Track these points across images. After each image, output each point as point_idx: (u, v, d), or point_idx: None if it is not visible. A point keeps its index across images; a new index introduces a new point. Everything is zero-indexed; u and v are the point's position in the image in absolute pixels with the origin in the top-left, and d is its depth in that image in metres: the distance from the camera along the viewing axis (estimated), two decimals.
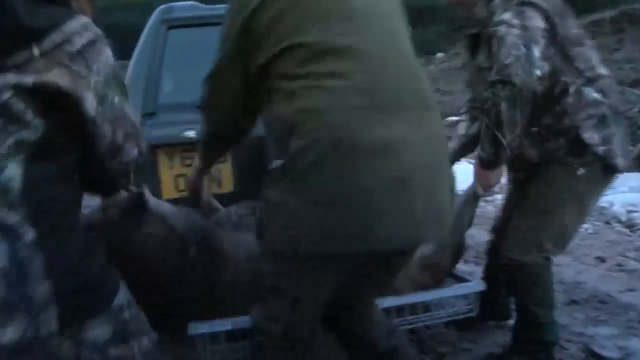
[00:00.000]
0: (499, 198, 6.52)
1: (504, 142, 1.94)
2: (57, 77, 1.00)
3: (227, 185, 2.41)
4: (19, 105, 0.96)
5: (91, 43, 1.06)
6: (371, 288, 1.67)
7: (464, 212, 2.21)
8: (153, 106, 2.46)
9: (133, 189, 1.56)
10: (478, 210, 5.78)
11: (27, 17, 0.98)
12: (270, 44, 1.33)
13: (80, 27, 1.05)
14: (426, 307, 2.09)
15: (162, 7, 2.76)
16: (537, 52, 1.90)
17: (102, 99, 1.08)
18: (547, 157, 2.12)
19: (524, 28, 1.91)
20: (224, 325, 1.79)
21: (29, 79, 0.96)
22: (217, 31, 2.69)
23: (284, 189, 1.29)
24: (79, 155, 1.10)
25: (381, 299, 1.86)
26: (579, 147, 2.05)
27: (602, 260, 3.89)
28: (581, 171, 2.04)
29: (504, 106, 1.89)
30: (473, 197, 2.27)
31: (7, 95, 0.95)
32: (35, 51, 0.98)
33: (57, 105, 1.01)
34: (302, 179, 1.25)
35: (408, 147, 1.27)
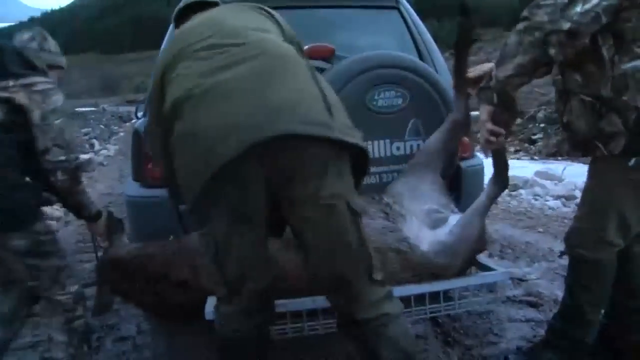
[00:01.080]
0: (523, 193, 6.46)
1: (498, 71, 1.86)
2: (21, 98, 1.98)
3: None
4: None
5: (48, 89, 2.03)
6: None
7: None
8: None
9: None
10: (502, 205, 5.79)
11: (11, 65, 2.03)
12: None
13: (43, 79, 2.06)
14: (448, 296, 2.03)
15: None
16: (580, 8, 1.76)
17: (44, 117, 1.98)
18: (592, 138, 1.94)
19: None
20: None
21: (4, 95, 1.97)
22: None
23: None
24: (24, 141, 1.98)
25: (401, 287, 1.84)
26: (635, 134, 1.84)
27: None
28: (632, 162, 1.88)
29: (512, 39, 1.82)
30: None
31: None
32: (11, 82, 1.99)
33: (17, 110, 1.97)
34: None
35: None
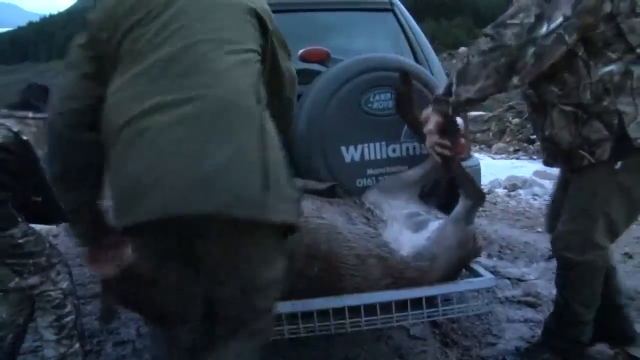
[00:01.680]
0: (521, 193, 6.47)
1: (455, 91, 1.85)
2: (29, 133, 2.15)
3: None
4: None
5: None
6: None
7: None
8: None
9: None
10: (501, 205, 5.79)
11: (35, 99, 2.27)
12: None
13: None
14: (435, 300, 2.00)
15: None
16: (545, 29, 1.74)
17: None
18: (577, 147, 1.93)
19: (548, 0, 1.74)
20: None
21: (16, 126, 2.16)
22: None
23: None
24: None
25: (387, 293, 1.86)
26: (620, 138, 1.85)
27: (629, 256, 3.81)
28: (618, 165, 1.89)
29: (475, 60, 1.79)
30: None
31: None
32: (30, 114, 2.21)
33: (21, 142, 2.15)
34: None
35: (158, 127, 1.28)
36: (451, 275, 2.02)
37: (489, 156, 12.01)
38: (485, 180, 7.71)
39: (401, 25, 2.76)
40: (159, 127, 1.27)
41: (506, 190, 6.73)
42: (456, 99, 1.87)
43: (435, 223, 2.06)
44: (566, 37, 1.77)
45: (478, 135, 17.30)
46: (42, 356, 2.34)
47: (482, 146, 15.78)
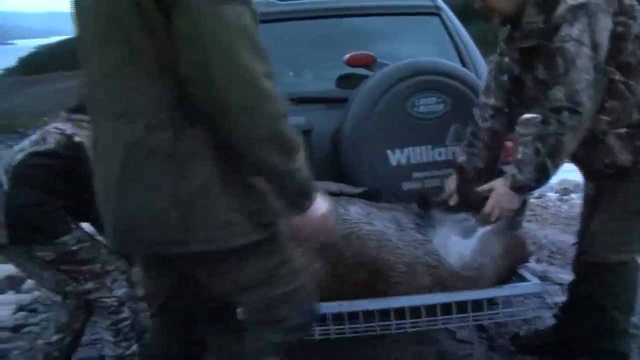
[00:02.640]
0: (574, 197, 6.29)
1: (550, 171, 1.82)
2: (83, 136, 2.13)
3: None
4: None
5: None
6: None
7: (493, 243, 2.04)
8: None
9: None
10: (553, 209, 5.66)
11: None
12: None
13: None
14: (480, 304, 1.99)
15: None
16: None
17: None
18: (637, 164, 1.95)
19: (595, 47, 1.74)
20: None
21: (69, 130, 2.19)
22: (293, 26, 2.83)
23: None
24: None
25: (432, 295, 1.87)
26: None
27: None
28: None
29: (568, 137, 1.76)
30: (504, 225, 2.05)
31: None
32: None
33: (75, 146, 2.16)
34: None
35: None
36: (500, 280, 2.01)
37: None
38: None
39: (447, 29, 2.76)
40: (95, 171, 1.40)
41: (558, 195, 6.56)
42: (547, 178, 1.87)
43: (485, 228, 2.05)
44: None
45: None
46: (99, 348, 2.46)
47: None
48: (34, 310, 3.33)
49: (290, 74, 3.12)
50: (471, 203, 2.07)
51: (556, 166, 1.82)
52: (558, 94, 1.76)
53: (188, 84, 1.17)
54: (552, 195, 6.58)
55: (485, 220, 1.97)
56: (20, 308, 3.37)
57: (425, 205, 2.10)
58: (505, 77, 2.16)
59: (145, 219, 1.26)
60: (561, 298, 3.06)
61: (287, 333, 1.47)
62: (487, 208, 1.94)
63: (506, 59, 2.16)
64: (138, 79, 1.21)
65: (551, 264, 3.77)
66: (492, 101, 2.18)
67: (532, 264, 3.72)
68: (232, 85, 1.16)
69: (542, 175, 1.84)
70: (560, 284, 3.22)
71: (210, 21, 1.13)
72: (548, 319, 2.75)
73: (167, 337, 1.69)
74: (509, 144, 2.60)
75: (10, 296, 3.65)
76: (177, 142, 1.21)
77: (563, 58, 1.76)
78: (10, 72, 73.30)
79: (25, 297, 3.57)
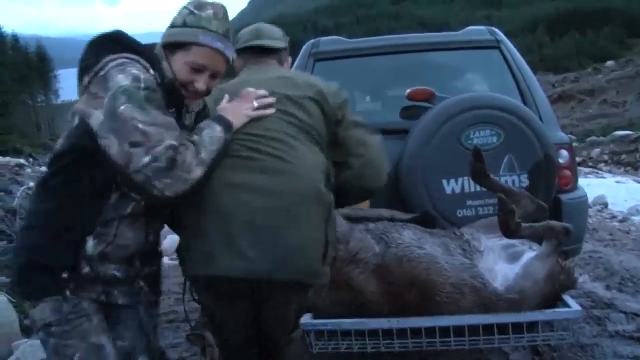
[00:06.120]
0: None
1: None
2: (80, 103, 1.52)
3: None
4: None
5: (117, 65, 1.48)
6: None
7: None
8: None
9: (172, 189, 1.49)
10: (634, 234, 5.48)
11: (85, 55, 1.54)
12: None
13: (116, 56, 1.50)
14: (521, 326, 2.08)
15: (311, 41, 3.11)
16: None
17: (108, 113, 1.44)
18: None
19: None
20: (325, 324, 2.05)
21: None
22: (359, 62, 3.06)
23: None
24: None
25: (475, 316, 1.99)
26: None
27: None
28: None
29: None
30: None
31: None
32: (85, 80, 1.50)
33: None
34: None
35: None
36: (544, 304, 2.11)
37: (634, 179, 11.18)
38: (623, 206, 7.28)
39: (507, 63, 2.88)
40: (244, 206, 1.63)
41: None
42: None
43: (530, 254, 2.17)
44: None
45: (624, 156, 16.09)
46: (180, 352, 2.76)
47: (628, 168, 14.66)
48: None
49: (367, 100, 3.35)
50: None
51: None
52: None
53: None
54: (637, 219, 6.35)
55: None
56: None
57: (480, 159, 2.18)
58: None
59: (308, 251, 1.64)
60: (624, 326, 3.06)
61: None
62: None
63: None
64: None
65: (621, 291, 3.72)
66: None
67: (600, 290, 3.71)
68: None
69: None
70: (626, 312, 3.20)
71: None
72: (607, 347, 2.78)
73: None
74: (567, 172, 2.69)
75: None
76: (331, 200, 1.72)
77: None
78: None
79: None
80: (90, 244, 1.50)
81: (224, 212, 1.59)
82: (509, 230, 2.04)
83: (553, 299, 2.14)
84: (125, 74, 1.47)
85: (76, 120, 1.51)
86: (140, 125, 1.42)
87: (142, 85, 1.47)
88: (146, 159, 1.41)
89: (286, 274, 1.61)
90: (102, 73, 1.47)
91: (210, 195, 1.59)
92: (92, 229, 1.51)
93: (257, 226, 1.58)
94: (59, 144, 1.55)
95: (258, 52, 1.98)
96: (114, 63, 1.48)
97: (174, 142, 1.45)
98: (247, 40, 2.00)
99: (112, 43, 1.55)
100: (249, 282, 1.62)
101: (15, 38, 59.48)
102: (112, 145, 1.43)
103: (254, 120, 1.69)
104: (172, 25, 1.62)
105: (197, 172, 1.49)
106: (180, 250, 1.71)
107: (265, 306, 1.74)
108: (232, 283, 1.63)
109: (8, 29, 59.76)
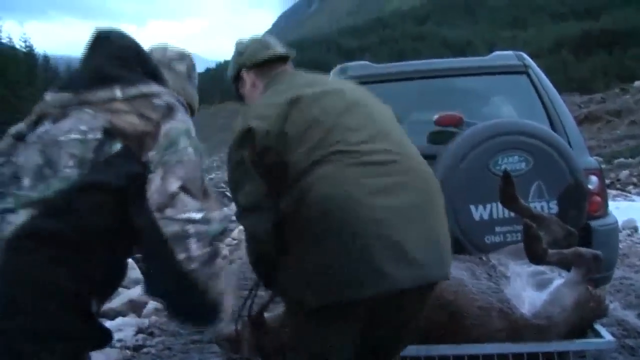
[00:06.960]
0: None
1: None
2: (125, 119, 1.24)
3: None
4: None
5: (174, 103, 1.31)
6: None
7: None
8: None
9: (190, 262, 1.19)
10: None
11: (108, 67, 1.30)
12: None
13: (164, 91, 1.33)
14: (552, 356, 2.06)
15: (338, 66, 3.15)
16: None
17: (170, 144, 1.23)
18: None
19: None
20: None
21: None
22: (387, 87, 3.08)
23: None
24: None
25: (504, 345, 1.97)
26: None
27: None
28: None
29: None
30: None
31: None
32: (118, 93, 1.26)
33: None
34: None
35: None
36: (574, 333, 2.09)
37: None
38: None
39: (535, 88, 2.89)
40: (390, 208, 1.51)
41: None
42: None
43: (559, 282, 2.15)
44: None
45: None
46: None
47: None
48: (151, 334, 3.75)
49: None
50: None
51: None
52: None
53: None
54: None
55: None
56: (140, 330, 3.81)
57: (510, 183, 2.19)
58: None
59: (449, 244, 1.59)
60: None
61: None
62: None
63: None
64: None
65: None
66: None
67: (631, 318, 3.63)
68: None
69: None
70: None
71: None
72: None
73: None
74: (597, 198, 2.67)
75: (132, 319, 4.10)
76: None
77: None
78: None
79: (144, 321, 4.03)
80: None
81: (382, 220, 1.44)
82: (534, 255, 2.03)
83: (584, 328, 2.11)
84: (187, 118, 1.34)
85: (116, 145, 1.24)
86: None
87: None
88: (198, 215, 1.20)
89: (443, 272, 1.56)
90: (161, 102, 1.30)
91: (357, 207, 1.44)
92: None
93: (414, 228, 1.48)
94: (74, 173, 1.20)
95: (274, 62, 1.83)
96: (172, 100, 1.33)
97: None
98: (259, 53, 1.82)
99: (142, 63, 1.38)
100: (414, 290, 1.50)
101: (46, 59, 60.99)
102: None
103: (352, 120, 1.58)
104: None
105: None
106: (295, 278, 1.51)
107: (393, 319, 1.61)
108: (393, 296, 1.47)
109: (40, 50, 61.28)
